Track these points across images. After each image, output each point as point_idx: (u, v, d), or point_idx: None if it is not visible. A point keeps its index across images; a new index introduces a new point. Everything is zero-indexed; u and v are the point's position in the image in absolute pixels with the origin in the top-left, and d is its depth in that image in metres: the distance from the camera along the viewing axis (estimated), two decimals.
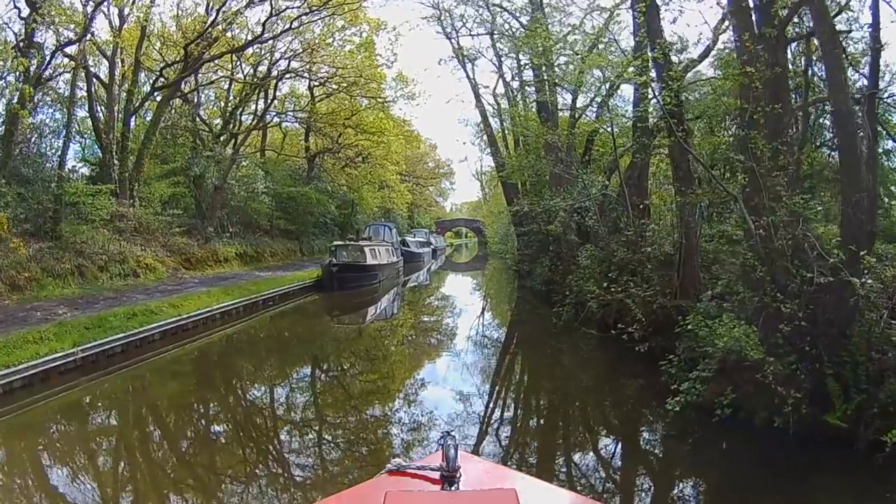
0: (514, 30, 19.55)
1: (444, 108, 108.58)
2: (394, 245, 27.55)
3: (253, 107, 26.80)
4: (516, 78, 21.89)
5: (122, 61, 20.24)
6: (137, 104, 19.86)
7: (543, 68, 15.64)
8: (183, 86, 22.95)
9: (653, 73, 9.00)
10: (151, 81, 20.61)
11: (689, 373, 6.36)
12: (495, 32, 20.88)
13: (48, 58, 16.45)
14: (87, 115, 19.08)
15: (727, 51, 11.62)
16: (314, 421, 7.89)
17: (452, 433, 2.16)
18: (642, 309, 7.90)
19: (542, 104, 16.98)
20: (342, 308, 18.09)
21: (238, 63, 24.51)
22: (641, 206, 10.29)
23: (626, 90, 14.02)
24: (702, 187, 8.17)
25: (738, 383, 5.86)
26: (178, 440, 7.15)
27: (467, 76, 23.26)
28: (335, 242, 22.22)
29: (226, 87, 26.32)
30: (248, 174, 25.84)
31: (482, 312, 18.87)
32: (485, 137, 25.54)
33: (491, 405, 8.42)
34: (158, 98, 20.81)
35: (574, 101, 16.03)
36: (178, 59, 20.04)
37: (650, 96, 9.90)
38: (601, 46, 14.63)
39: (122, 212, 17.07)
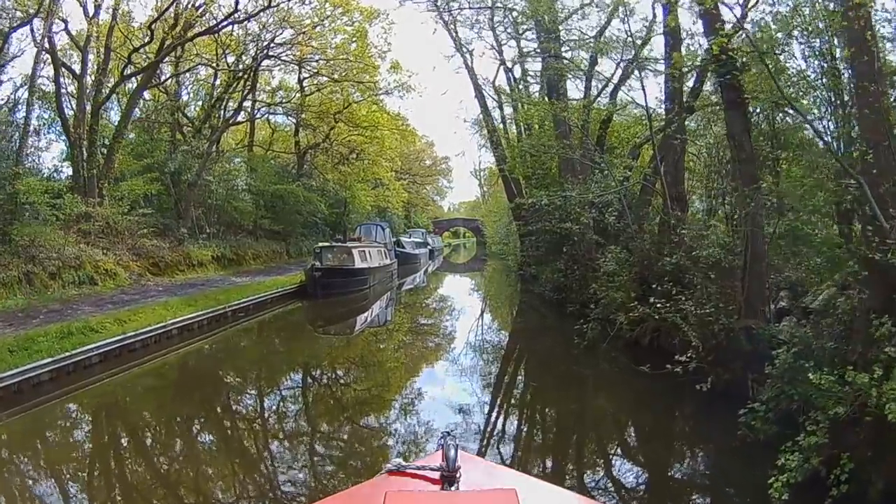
0: (514, 14, 17.97)
1: (441, 107, 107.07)
2: (387, 246, 25.67)
3: (239, 99, 25.07)
4: (518, 65, 20.29)
5: (97, 51, 18.76)
6: (106, 95, 18.37)
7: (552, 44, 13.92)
8: (162, 76, 21.52)
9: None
10: (121, 69, 18.89)
11: (777, 424, 4.63)
12: (495, 17, 19.24)
13: (4, 40, 15.10)
14: (71, 110, 17.54)
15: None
16: (280, 468, 6.11)
17: (452, 433, 2.11)
18: (699, 331, 6.12)
19: (551, 85, 15.20)
20: (326, 318, 16.13)
21: (224, 55, 22.89)
22: (685, 199, 8.48)
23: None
24: (772, 172, 6.40)
25: (852, 446, 4.13)
26: (116, 492, 5.53)
27: (465, 65, 21.54)
28: (320, 244, 20.20)
29: (211, 80, 24.84)
30: (228, 170, 23.99)
31: (485, 326, 16.64)
32: (484, 131, 23.91)
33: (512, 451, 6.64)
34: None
35: (588, 81, 14.26)
36: (145, 42, 18.38)
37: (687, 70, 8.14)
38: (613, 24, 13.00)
39: (88, 212, 15.46)
